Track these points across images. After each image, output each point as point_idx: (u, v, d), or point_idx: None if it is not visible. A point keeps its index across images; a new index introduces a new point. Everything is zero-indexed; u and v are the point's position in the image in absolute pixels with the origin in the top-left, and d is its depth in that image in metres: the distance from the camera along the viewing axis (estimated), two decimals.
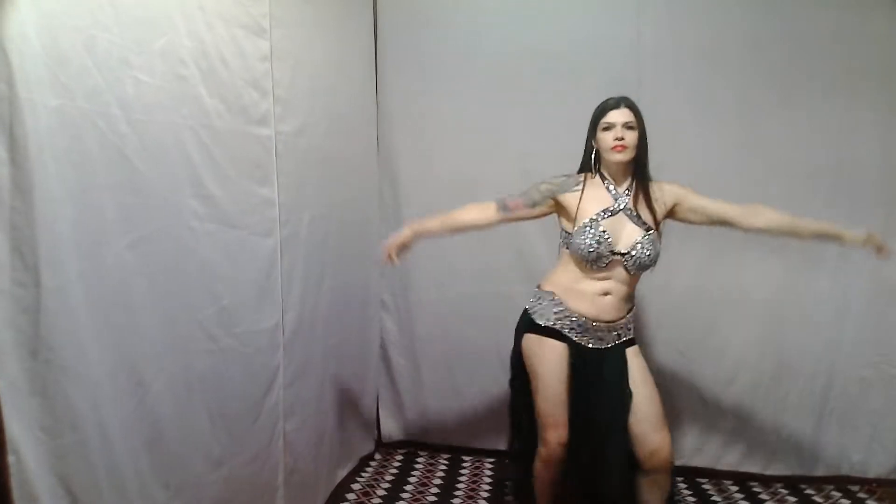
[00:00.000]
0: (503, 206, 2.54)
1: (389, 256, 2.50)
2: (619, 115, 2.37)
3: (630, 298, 2.48)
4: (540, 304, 2.50)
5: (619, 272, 2.38)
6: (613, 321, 2.43)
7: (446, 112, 3.54)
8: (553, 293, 2.47)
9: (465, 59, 3.49)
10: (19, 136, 1.42)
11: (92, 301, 1.63)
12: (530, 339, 2.49)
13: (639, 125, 2.39)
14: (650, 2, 3.27)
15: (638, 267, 2.36)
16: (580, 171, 2.55)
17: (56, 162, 1.51)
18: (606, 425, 2.42)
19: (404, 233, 2.53)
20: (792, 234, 2.48)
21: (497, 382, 3.66)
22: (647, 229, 2.37)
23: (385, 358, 3.82)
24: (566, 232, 2.48)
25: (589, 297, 2.41)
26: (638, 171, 2.43)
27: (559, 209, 2.50)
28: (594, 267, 2.37)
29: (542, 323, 2.46)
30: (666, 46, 3.27)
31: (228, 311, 2.21)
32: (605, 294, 2.40)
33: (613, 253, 2.34)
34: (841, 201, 3.17)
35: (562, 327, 2.43)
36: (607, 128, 2.38)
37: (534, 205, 2.51)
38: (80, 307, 1.59)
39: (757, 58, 3.19)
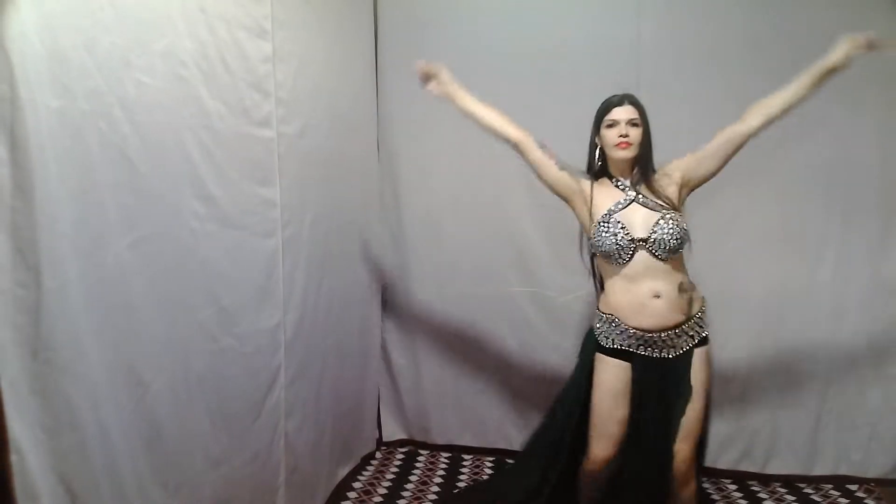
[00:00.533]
0: (540, 144, 2.47)
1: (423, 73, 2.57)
2: (623, 112, 2.35)
3: (683, 288, 2.32)
4: (601, 326, 2.41)
5: (652, 263, 2.27)
6: (679, 324, 2.31)
7: (446, 112, 3.53)
8: (612, 315, 2.36)
9: (465, 60, 3.48)
10: (20, 136, 1.42)
11: (92, 301, 1.63)
12: (598, 360, 2.41)
13: (643, 122, 2.38)
14: (650, 2, 3.27)
15: (663, 249, 2.25)
16: (587, 172, 2.52)
17: (57, 162, 1.52)
18: (657, 441, 2.36)
19: (442, 73, 2.58)
20: (797, 102, 2.36)
21: (497, 382, 3.68)
22: (666, 209, 2.30)
23: (385, 358, 3.83)
24: (588, 238, 2.43)
25: (643, 307, 2.29)
26: (641, 167, 2.40)
27: (575, 194, 2.43)
28: (621, 261, 2.28)
29: (607, 345, 2.38)
30: (666, 46, 3.27)
31: (228, 312, 2.22)
32: (656, 297, 2.28)
33: (633, 241, 2.26)
34: (840, 202, 3.18)
35: (629, 346, 2.33)
36: (611, 125, 2.36)
37: (562, 168, 2.43)
38: (81, 307, 1.60)
39: (757, 58, 3.18)
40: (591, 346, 2.45)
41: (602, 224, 2.31)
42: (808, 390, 3.32)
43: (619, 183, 2.40)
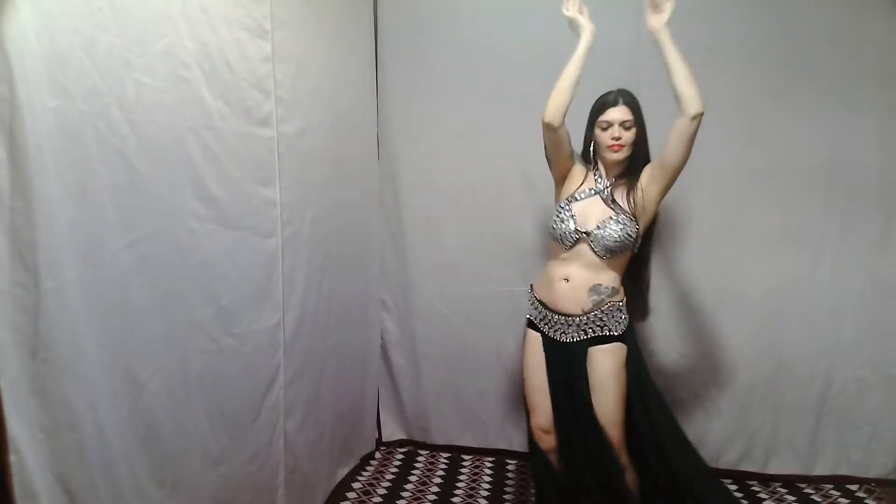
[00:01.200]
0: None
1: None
2: (616, 114, 2.40)
3: (598, 290, 2.41)
4: (528, 297, 2.64)
5: (586, 254, 2.39)
6: (571, 314, 2.44)
7: (446, 112, 3.55)
8: (532, 285, 2.63)
9: (465, 60, 3.50)
10: (19, 137, 1.43)
11: (91, 301, 1.64)
12: (525, 331, 2.64)
13: (637, 122, 2.43)
14: None
15: (601, 247, 2.35)
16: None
17: (55, 163, 1.52)
18: (573, 417, 2.50)
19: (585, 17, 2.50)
20: (679, 64, 2.42)
21: (497, 382, 3.68)
22: (621, 213, 2.38)
23: (385, 358, 3.83)
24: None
25: (551, 282, 2.48)
26: (632, 165, 2.46)
27: (566, 172, 2.55)
28: (562, 245, 2.43)
29: (526, 315, 2.64)
30: None
31: (227, 311, 2.22)
32: (564, 280, 2.43)
33: (579, 231, 2.38)
34: (839, 201, 3.17)
35: (534, 318, 2.58)
36: (605, 127, 2.42)
37: (569, 141, 2.52)
38: (79, 307, 1.60)
39: (756, 58, 3.19)
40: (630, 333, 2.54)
41: (560, 209, 2.46)
42: (808, 390, 3.32)
43: (598, 174, 2.50)
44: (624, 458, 2.45)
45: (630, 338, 2.50)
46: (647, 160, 2.52)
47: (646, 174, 2.45)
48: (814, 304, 3.26)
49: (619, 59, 3.31)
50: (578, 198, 2.45)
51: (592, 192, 2.46)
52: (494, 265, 3.60)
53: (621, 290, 2.48)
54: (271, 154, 2.46)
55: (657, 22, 2.33)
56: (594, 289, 2.41)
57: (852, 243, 3.20)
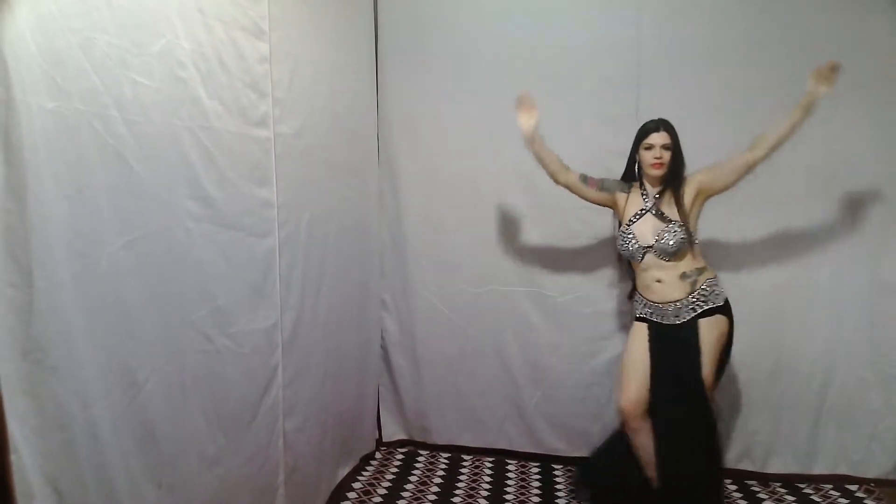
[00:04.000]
0: (584, 178, 2.99)
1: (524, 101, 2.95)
2: (658, 138, 2.81)
3: (686, 276, 2.81)
4: (635, 301, 3.03)
5: (657, 261, 2.83)
6: (678, 300, 2.82)
7: (447, 112, 3.55)
8: (635, 290, 3.01)
9: (465, 60, 3.50)
10: (14, 137, 1.43)
11: (85, 302, 1.64)
12: (632, 325, 3.03)
13: (674, 145, 2.83)
14: (650, 2, 3.27)
15: (663, 253, 2.79)
16: (624, 178, 3.00)
17: (51, 163, 1.52)
18: (681, 389, 2.78)
19: (526, 119, 2.95)
20: (792, 132, 2.76)
21: (497, 382, 3.68)
22: (670, 222, 2.79)
23: (385, 358, 3.84)
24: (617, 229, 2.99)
25: (650, 286, 2.88)
26: (671, 180, 2.84)
27: (614, 205, 3.00)
28: (634, 260, 2.89)
29: (635, 313, 3.01)
30: (666, 46, 3.27)
31: (223, 312, 2.22)
32: (657, 282, 2.85)
33: (641, 248, 2.84)
34: (840, 201, 3.17)
35: (646, 314, 2.93)
36: (648, 148, 2.83)
37: (602, 188, 2.99)
38: (73, 308, 1.60)
39: (756, 58, 3.19)
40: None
41: (622, 234, 2.92)
42: (808, 390, 3.32)
43: (645, 194, 2.90)
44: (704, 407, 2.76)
45: (729, 310, 2.85)
46: (680, 176, 2.85)
47: (690, 189, 2.84)
48: (814, 304, 3.26)
49: (620, 59, 3.31)
50: (633, 220, 2.88)
51: (644, 211, 2.87)
52: (494, 265, 3.60)
53: (707, 268, 2.87)
54: (268, 154, 2.46)
55: (820, 92, 2.69)
56: (683, 276, 2.82)
57: (852, 243, 3.20)
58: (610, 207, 3.04)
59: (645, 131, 2.86)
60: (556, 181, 3.01)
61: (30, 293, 1.48)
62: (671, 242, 2.76)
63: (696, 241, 2.86)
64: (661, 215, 2.83)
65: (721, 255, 3.26)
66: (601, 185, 2.98)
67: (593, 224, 3.42)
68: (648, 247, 2.83)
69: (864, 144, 3.13)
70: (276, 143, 2.50)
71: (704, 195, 2.86)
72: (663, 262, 2.81)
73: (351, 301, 3.33)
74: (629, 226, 2.88)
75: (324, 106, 2.92)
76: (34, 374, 1.50)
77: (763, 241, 3.26)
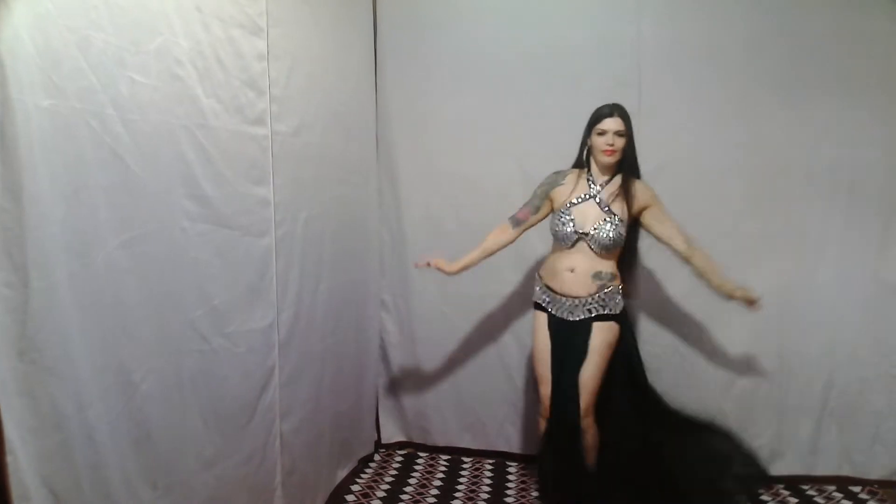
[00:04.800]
0: (515, 222, 2.97)
1: (427, 264, 2.98)
2: (611, 124, 2.74)
3: (599, 276, 2.78)
4: (535, 283, 2.98)
5: (585, 249, 2.77)
6: (579, 296, 2.79)
7: (446, 111, 3.54)
8: (539, 273, 2.98)
9: (465, 59, 3.49)
10: (10, 136, 1.42)
11: (81, 301, 1.63)
12: (533, 313, 2.98)
13: (627, 132, 2.76)
14: (650, 2, 3.27)
15: (598, 245, 2.74)
16: (575, 166, 2.92)
17: (47, 162, 1.51)
18: (571, 386, 2.82)
19: (444, 266, 2.97)
20: (694, 269, 2.83)
21: (497, 382, 3.66)
22: (613, 215, 2.75)
23: (385, 358, 3.82)
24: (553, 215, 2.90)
25: (558, 273, 2.83)
26: (622, 169, 2.80)
27: (553, 204, 2.91)
28: (564, 244, 2.80)
29: (534, 299, 2.98)
30: (666, 46, 3.27)
31: (219, 311, 2.21)
32: (570, 270, 2.79)
33: (577, 232, 2.76)
34: (841, 201, 3.17)
35: (542, 301, 2.91)
36: (601, 133, 2.76)
37: (537, 209, 2.94)
38: (69, 307, 1.59)
39: (757, 58, 3.18)
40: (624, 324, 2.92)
41: (561, 213, 2.81)
42: (810, 391, 3.31)
43: (590, 179, 2.84)
44: (586, 422, 2.81)
45: (623, 319, 2.87)
46: (632, 168, 2.83)
47: (642, 197, 2.80)
48: (815, 305, 3.25)
49: (619, 59, 3.30)
50: (575, 202, 2.81)
51: (587, 196, 2.81)
52: (494, 265, 3.57)
53: (618, 276, 2.85)
54: (265, 153, 2.45)
55: (737, 298, 2.82)
56: (596, 275, 2.78)
57: (854, 243, 3.19)
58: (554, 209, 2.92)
59: (598, 116, 2.77)
60: (510, 243, 3.00)
61: (26, 293, 1.47)
62: (609, 235, 2.71)
63: (621, 248, 2.82)
64: (603, 206, 2.77)
65: (721, 256, 3.24)
66: (533, 207, 2.93)
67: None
68: (584, 233, 2.75)
69: (864, 144, 3.13)
70: (273, 141, 2.48)
71: (645, 218, 2.82)
72: (591, 253, 2.75)
73: (349, 301, 3.31)
74: (568, 208, 2.79)
75: (322, 104, 2.91)
76: (30, 374, 1.49)
77: (764, 241, 3.25)
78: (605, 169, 2.81)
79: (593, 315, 2.78)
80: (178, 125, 1.98)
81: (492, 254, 3.00)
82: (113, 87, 1.72)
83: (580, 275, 2.78)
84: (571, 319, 2.81)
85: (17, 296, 1.45)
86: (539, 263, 3.47)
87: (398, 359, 3.80)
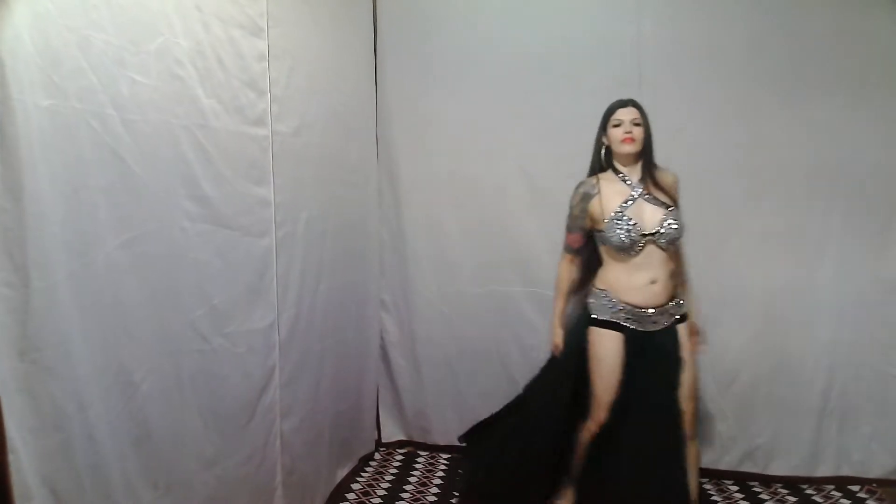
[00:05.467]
0: (571, 250, 2.79)
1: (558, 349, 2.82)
2: (626, 114, 2.62)
3: (674, 276, 2.65)
4: (595, 301, 2.70)
5: (655, 253, 2.57)
6: (664, 304, 2.63)
7: (446, 111, 3.54)
8: (605, 290, 2.67)
9: (465, 59, 3.49)
10: (10, 136, 1.42)
11: (81, 301, 1.63)
12: (592, 332, 2.69)
13: (644, 122, 2.64)
14: (650, 2, 3.27)
15: (668, 241, 2.55)
16: (591, 172, 2.75)
17: (47, 162, 1.52)
18: (658, 405, 2.62)
19: (558, 332, 2.83)
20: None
21: (497, 382, 3.66)
22: (667, 207, 2.58)
23: (385, 358, 3.82)
24: (597, 231, 2.68)
25: (639, 287, 2.60)
26: (645, 162, 2.65)
27: (594, 220, 2.68)
28: (629, 253, 2.57)
29: (600, 317, 2.67)
30: (666, 46, 3.26)
31: (219, 311, 2.21)
32: (653, 282, 2.59)
33: (644, 235, 2.55)
34: (840, 201, 3.17)
35: (620, 320, 2.63)
36: (617, 125, 2.63)
37: (582, 229, 2.72)
38: (69, 307, 1.59)
39: (757, 58, 3.18)
40: (583, 320, 2.74)
41: (615, 221, 2.57)
42: (810, 391, 3.30)
43: (626, 178, 2.65)
44: (692, 434, 2.67)
45: None
46: (652, 160, 2.68)
47: (672, 183, 2.67)
48: (815, 305, 3.25)
49: (620, 59, 3.30)
50: (626, 206, 2.59)
51: (633, 197, 2.61)
52: (494, 265, 3.59)
53: None
54: (265, 153, 2.45)
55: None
56: (672, 275, 2.64)
57: (853, 244, 3.19)
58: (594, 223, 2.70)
59: (611, 108, 2.66)
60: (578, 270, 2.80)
61: (26, 292, 1.47)
62: (676, 227, 2.54)
63: None
64: (654, 200, 2.59)
65: (721, 256, 3.26)
66: (579, 229, 2.72)
67: None
68: (651, 234, 2.54)
69: (863, 144, 3.12)
70: (273, 141, 2.49)
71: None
72: (661, 253, 2.56)
73: (350, 301, 3.32)
74: (621, 213, 2.56)
75: (322, 104, 2.91)
76: (31, 373, 1.49)
77: (764, 240, 3.25)
78: (628, 161, 2.65)
79: (675, 318, 2.65)
80: (179, 125, 1.99)
81: (572, 293, 2.83)
82: (113, 87, 1.72)
83: (662, 283, 2.59)
84: (655, 330, 2.63)
85: (18, 296, 1.46)
86: (539, 263, 3.49)
87: (398, 358, 3.80)
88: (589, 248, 2.76)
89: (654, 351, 2.63)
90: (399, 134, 3.62)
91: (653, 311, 2.61)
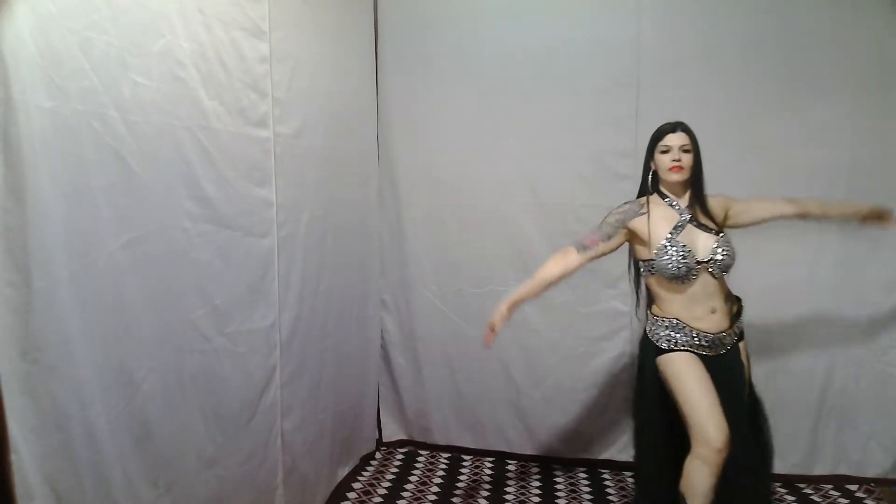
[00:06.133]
0: (582, 247, 2.58)
1: (493, 331, 2.62)
2: (676, 139, 2.48)
3: (730, 299, 2.55)
4: (660, 330, 2.54)
5: (708, 281, 2.46)
6: (730, 327, 2.52)
7: (446, 112, 3.55)
8: (675, 319, 2.50)
9: (465, 60, 3.50)
10: (12, 137, 1.43)
11: (83, 301, 1.64)
12: (664, 361, 2.51)
13: (693, 148, 2.51)
14: (650, 2, 3.27)
15: (722, 269, 2.45)
16: (640, 195, 2.64)
17: (49, 163, 1.53)
18: (745, 424, 2.50)
19: (501, 309, 2.62)
20: (814, 218, 2.69)
21: (497, 382, 3.67)
22: (718, 233, 2.48)
23: (386, 357, 3.84)
24: (644, 260, 2.56)
25: (701, 317, 2.48)
26: (694, 189, 2.54)
27: (632, 237, 2.57)
28: (685, 282, 2.45)
29: (669, 346, 2.50)
30: (665, 46, 3.27)
31: (220, 311, 2.22)
32: (712, 312, 2.47)
33: (699, 263, 2.43)
34: (840, 201, 3.16)
35: (695, 348, 2.48)
36: (665, 150, 2.49)
37: (609, 237, 2.56)
38: (71, 307, 1.60)
39: (757, 58, 3.18)
40: (650, 352, 2.56)
41: (668, 247, 2.43)
42: (808, 390, 3.31)
43: (673, 203, 2.53)
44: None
45: None
46: (702, 187, 2.56)
47: (720, 207, 2.57)
48: (813, 304, 3.26)
49: (620, 59, 3.31)
50: (676, 233, 2.47)
51: (682, 224, 2.49)
52: (494, 265, 3.59)
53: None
54: (267, 154, 2.46)
55: (870, 224, 2.69)
56: (728, 299, 2.54)
57: (852, 243, 3.19)
58: (630, 242, 2.62)
59: (660, 133, 2.52)
60: (574, 272, 2.60)
61: (28, 293, 1.48)
62: (730, 253, 2.45)
63: None
64: (703, 227, 2.49)
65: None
66: (605, 235, 2.56)
67: (593, 224, 3.41)
68: (705, 262, 2.43)
69: (863, 144, 3.13)
70: (275, 143, 2.50)
71: (734, 219, 2.60)
72: (713, 281, 2.45)
73: (350, 301, 3.33)
74: (674, 239, 2.45)
75: (324, 106, 2.92)
76: (32, 373, 1.51)
77: (764, 239, 3.25)
78: (678, 190, 2.54)
79: (737, 336, 2.56)
80: (181, 127, 2.00)
81: (551, 286, 2.64)
82: (115, 89, 1.73)
83: (721, 310, 2.48)
84: (723, 353, 2.51)
85: (20, 296, 1.47)
86: (539, 264, 3.49)
87: (399, 358, 3.81)
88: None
89: (723, 372, 2.49)
90: (399, 135, 3.63)
91: (721, 334, 2.49)
